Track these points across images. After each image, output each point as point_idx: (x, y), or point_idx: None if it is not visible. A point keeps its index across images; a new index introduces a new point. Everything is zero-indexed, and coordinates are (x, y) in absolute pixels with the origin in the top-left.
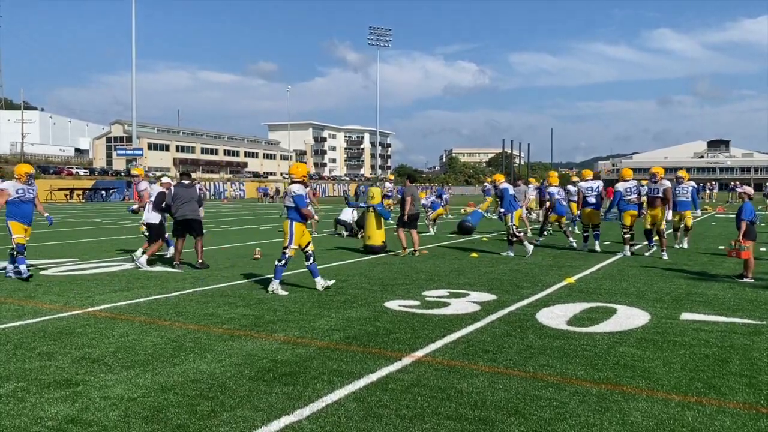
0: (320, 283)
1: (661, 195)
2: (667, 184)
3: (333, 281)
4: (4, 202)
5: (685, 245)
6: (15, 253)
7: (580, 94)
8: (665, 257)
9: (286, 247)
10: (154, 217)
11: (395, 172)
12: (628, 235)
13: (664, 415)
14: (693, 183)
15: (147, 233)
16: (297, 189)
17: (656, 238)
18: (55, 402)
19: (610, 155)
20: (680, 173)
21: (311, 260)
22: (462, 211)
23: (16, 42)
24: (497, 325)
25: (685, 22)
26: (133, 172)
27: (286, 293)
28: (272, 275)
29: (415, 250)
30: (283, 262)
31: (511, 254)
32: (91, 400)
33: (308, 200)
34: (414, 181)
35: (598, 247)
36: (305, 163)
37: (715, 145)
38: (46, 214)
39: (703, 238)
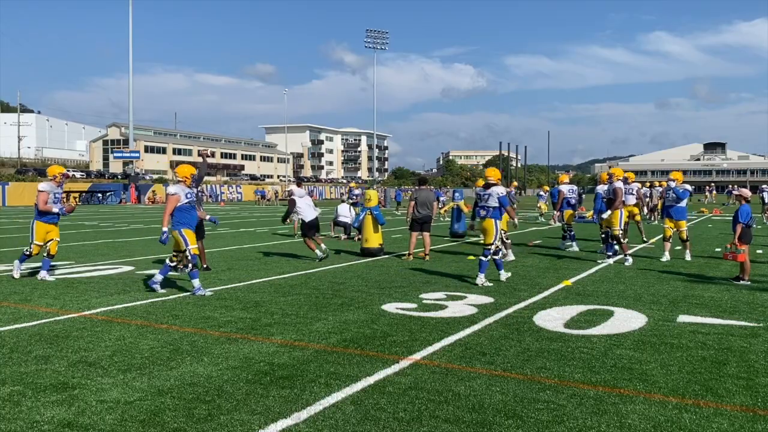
0: (504, 275)
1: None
2: (618, 185)
3: (509, 274)
4: (173, 209)
5: (688, 257)
6: (192, 265)
7: (577, 97)
8: (610, 262)
9: (491, 244)
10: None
11: (392, 175)
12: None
13: (662, 417)
14: (688, 186)
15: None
16: (502, 190)
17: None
18: (52, 406)
19: (606, 158)
20: (672, 175)
21: (500, 254)
22: (443, 212)
23: (12, 45)
24: (494, 327)
25: (680, 25)
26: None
27: (491, 284)
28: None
29: (425, 254)
30: (499, 255)
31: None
32: (88, 403)
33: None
34: (425, 183)
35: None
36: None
37: (712, 147)
38: (208, 216)
39: (700, 240)
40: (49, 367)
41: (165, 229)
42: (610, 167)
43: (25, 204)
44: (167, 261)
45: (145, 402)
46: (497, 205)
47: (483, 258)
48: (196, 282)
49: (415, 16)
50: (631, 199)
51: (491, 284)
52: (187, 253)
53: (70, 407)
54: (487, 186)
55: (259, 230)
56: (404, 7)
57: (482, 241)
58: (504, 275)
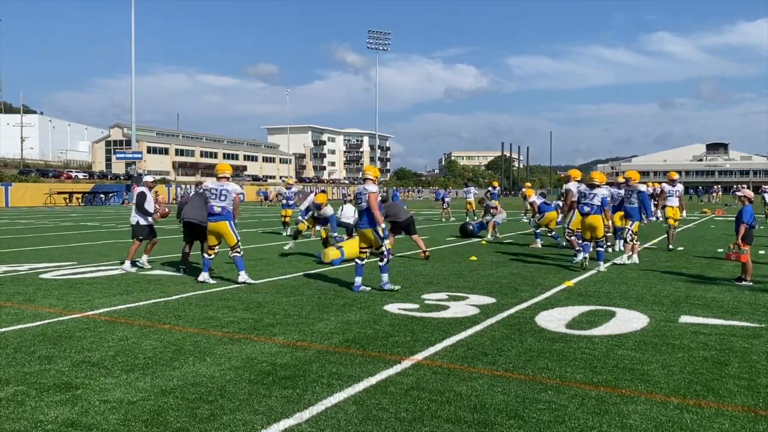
0: (603, 266)
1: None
2: (570, 186)
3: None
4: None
5: (622, 260)
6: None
7: (580, 98)
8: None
9: (602, 238)
10: None
11: (395, 175)
12: (609, 233)
13: (663, 417)
14: (641, 186)
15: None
16: (605, 192)
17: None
18: (55, 405)
19: (609, 158)
20: (627, 174)
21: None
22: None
23: (15, 46)
24: (496, 328)
25: (683, 25)
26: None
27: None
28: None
29: (424, 252)
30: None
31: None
32: (91, 403)
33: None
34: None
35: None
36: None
37: (714, 148)
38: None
39: (702, 241)
40: (53, 367)
41: (383, 225)
42: (612, 168)
43: (28, 205)
44: (359, 261)
45: (148, 402)
46: (600, 203)
47: (599, 249)
48: (385, 276)
49: (417, 17)
50: (674, 201)
51: (605, 269)
52: (382, 249)
53: (74, 407)
54: (592, 186)
55: (262, 231)
56: (406, 8)
57: (591, 235)
58: (603, 266)
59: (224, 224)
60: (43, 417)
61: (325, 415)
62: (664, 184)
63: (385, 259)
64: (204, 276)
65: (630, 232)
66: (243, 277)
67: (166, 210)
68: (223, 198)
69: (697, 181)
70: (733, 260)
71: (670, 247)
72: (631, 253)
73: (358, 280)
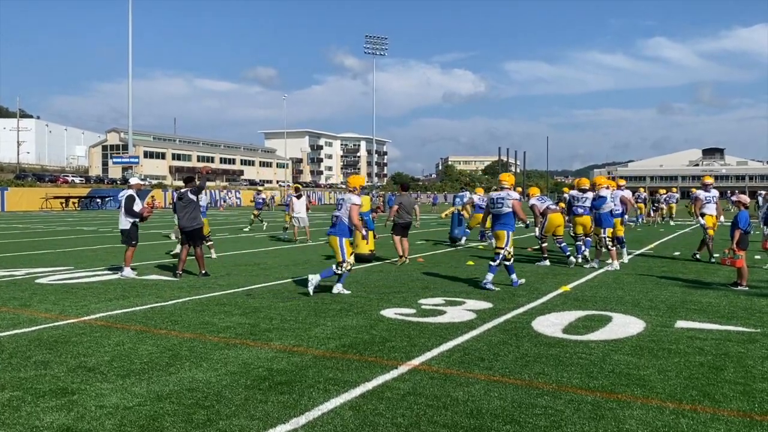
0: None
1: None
2: (532, 202)
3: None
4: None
5: (613, 266)
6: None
7: (578, 102)
8: (573, 261)
9: (587, 236)
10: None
11: (392, 180)
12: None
13: (659, 422)
14: (604, 192)
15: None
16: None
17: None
18: (51, 411)
19: (605, 163)
20: (596, 179)
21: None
22: (443, 216)
23: (12, 49)
24: (493, 333)
25: (680, 30)
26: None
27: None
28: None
29: (406, 257)
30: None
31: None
32: (87, 409)
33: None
34: (407, 189)
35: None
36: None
37: (710, 153)
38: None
39: (697, 246)
40: (49, 373)
41: (528, 222)
42: (609, 172)
43: (24, 209)
44: (496, 264)
45: (144, 407)
46: (591, 206)
47: (583, 245)
48: (490, 276)
49: (415, 22)
50: (711, 208)
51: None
52: (500, 251)
53: (70, 412)
54: (583, 191)
55: (258, 236)
56: (403, 13)
57: (575, 232)
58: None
59: (334, 240)
60: (38, 422)
61: (321, 421)
62: (698, 191)
63: (498, 261)
64: (338, 287)
65: (606, 239)
66: (338, 288)
67: (152, 207)
68: (339, 207)
69: (693, 186)
70: (728, 265)
71: (714, 257)
72: (616, 259)
73: (513, 276)
